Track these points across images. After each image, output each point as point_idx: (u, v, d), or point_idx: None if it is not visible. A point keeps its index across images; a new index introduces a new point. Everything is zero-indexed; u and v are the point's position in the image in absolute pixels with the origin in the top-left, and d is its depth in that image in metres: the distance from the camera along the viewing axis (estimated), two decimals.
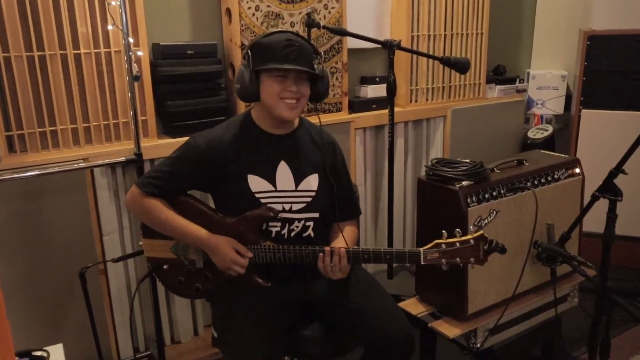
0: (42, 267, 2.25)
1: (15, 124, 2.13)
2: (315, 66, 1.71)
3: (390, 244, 2.85)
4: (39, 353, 1.28)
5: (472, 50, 3.32)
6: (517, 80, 3.58)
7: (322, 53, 1.90)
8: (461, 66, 2.67)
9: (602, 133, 3.09)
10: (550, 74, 3.63)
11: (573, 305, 2.31)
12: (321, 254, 1.66)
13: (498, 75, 3.54)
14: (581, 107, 3.16)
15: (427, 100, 3.23)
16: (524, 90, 3.62)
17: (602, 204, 1.85)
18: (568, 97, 3.64)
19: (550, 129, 3.48)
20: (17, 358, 1.26)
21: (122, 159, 2.27)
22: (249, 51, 1.69)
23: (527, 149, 3.35)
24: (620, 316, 2.58)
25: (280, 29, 1.71)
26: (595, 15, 3.15)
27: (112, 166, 2.33)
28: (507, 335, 2.13)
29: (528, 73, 3.70)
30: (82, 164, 2.22)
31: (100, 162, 2.26)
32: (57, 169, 2.15)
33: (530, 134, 3.50)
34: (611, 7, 3.09)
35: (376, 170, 3.20)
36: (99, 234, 2.36)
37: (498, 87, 3.47)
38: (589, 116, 3.14)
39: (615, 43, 3.04)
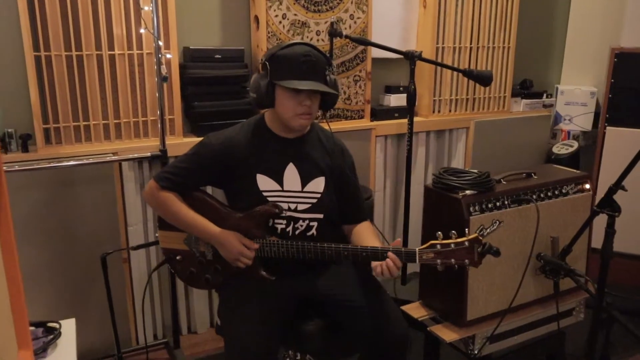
0: (69, 252, 2.41)
1: (52, 118, 2.30)
2: (327, 77, 1.78)
3: None
4: (52, 324, 1.41)
5: (498, 64, 3.35)
6: (545, 95, 3.58)
7: (335, 64, 1.97)
8: (484, 79, 2.70)
9: (626, 151, 3.03)
10: (579, 90, 3.61)
11: (579, 320, 2.31)
12: (377, 265, 1.70)
13: (525, 89, 3.55)
14: (606, 124, 3.14)
15: (450, 111, 3.27)
16: (551, 106, 3.62)
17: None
18: (597, 114, 3.61)
19: (576, 145, 3.47)
20: (33, 328, 1.38)
21: (148, 154, 2.41)
22: (266, 62, 1.75)
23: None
24: (628, 337, 2.55)
25: (297, 41, 1.78)
26: (625, 32, 3.14)
27: (139, 161, 2.48)
28: (508, 344, 2.15)
29: (557, 88, 3.69)
30: (112, 157, 2.38)
31: (129, 156, 2.41)
32: (90, 161, 2.31)
33: (554, 150, 3.50)
34: None
35: (396, 178, 3.26)
36: (124, 224, 2.51)
37: (524, 101, 3.48)
38: (613, 134, 3.12)
39: None
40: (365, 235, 1.91)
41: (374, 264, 1.72)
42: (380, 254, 1.73)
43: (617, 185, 1.72)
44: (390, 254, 1.69)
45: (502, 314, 2.01)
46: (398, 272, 1.71)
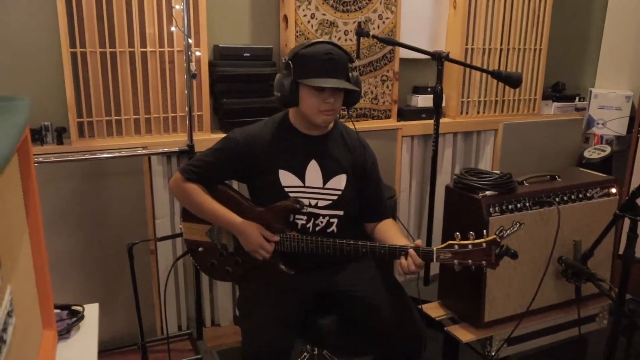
0: (98, 242, 2.50)
1: (86, 112, 2.39)
2: (350, 74, 1.81)
3: None
4: (76, 308, 1.48)
5: (529, 66, 3.31)
6: (577, 98, 3.52)
7: (358, 62, 1.98)
8: (513, 80, 2.68)
9: None
10: (613, 93, 3.54)
11: (602, 327, 2.27)
12: (402, 262, 1.73)
13: (557, 92, 3.49)
14: None
15: (478, 113, 3.25)
16: (584, 109, 3.55)
17: None
18: (632, 119, 3.53)
19: (608, 149, 3.40)
20: (58, 310, 1.45)
21: (176, 149, 2.47)
22: (289, 62, 1.79)
23: None
24: None
25: (318, 40, 1.81)
26: None
27: (168, 155, 2.55)
28: (527, 348, 2.14)
29: (590, 92, 3.62)
30: (142, 151, 2.46)
31: (158, 150, 2.48)
32: (123, 154, 2.39)
33: (586, 154, 3.44)
34: None
35: (422, 179, 3.25)
36: (152, 217, 2.58)
37: (555, 104, 3.43)
38: None
39: None
40: (391, 232, 1.91)
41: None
42: (398, 252, 1.74)
43: None
44: (410, 250, 1.71)
45: (521, 317, 2.00)
46: (419, 270, 1.72)
